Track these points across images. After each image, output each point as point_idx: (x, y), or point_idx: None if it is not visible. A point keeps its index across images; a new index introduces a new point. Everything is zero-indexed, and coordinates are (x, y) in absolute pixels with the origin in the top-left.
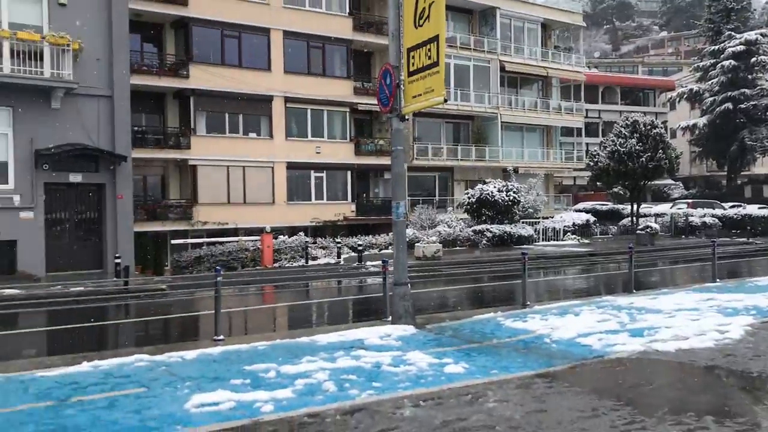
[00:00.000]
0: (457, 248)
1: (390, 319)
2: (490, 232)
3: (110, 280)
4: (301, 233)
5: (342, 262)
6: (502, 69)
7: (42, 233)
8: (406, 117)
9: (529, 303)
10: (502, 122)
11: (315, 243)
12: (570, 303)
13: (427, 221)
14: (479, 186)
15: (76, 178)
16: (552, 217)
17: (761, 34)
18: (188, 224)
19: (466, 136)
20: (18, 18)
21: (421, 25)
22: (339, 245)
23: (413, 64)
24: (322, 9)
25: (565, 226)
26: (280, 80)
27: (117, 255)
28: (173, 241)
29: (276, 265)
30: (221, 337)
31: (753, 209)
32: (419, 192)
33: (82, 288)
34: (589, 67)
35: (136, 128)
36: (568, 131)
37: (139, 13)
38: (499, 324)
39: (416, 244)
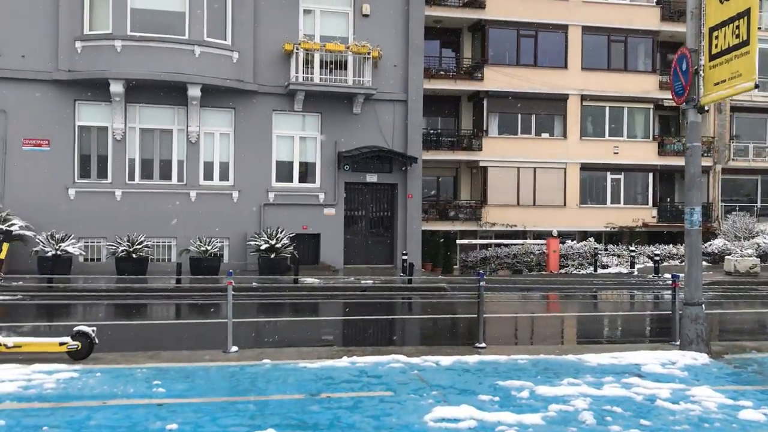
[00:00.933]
0: None
1: (678, 343)
2: None
3: (397, 276)
4: (591, 239)
5: (635, 273)
6: None
7: (342, 229)
8: (706, 108)
9: None
10: None
11: (606, 250)
12: None
13: (742, 231)
14: None
15: (372, 178)
16: None
17: None
18: (477, 225)
19: None
20: (328, 31)
21: None
22: (633, 254)
23: (716, 45)
24: (625, 0)
25: None
26: (576, 77)
27: (404, 252)
28: (459, 241)
29: (562, 270)
30: (483, 344)
31: None
32: (736, 197)
33: (371, 281)
34: None
35: (432, 131)
36: None
37: (438, 19)
38: None
39: (726, 257)
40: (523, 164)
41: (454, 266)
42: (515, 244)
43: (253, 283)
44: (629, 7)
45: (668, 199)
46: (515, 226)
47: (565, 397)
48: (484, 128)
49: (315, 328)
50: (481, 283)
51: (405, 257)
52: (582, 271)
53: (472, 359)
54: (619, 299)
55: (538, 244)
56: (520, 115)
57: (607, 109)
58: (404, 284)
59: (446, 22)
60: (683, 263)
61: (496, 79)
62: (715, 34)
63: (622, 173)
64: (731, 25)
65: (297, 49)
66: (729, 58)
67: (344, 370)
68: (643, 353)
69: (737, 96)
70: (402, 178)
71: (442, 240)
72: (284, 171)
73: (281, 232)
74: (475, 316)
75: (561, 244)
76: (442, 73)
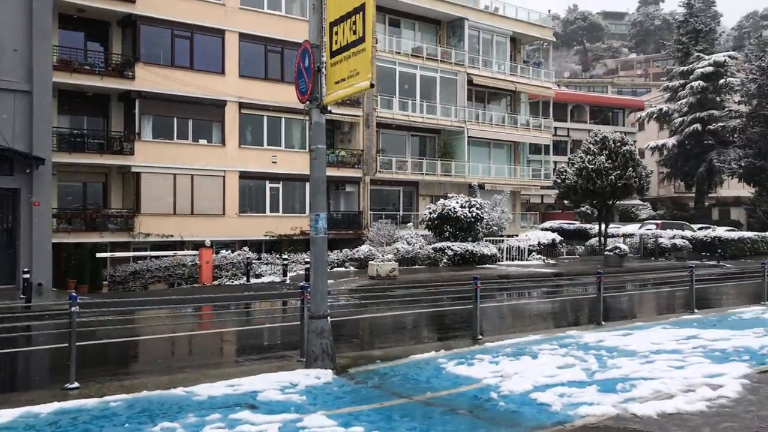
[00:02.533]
0: (416, 267)
1: (305, 360)
2: (451, 250)
3: (18, 298)
4: (246, 248)
5: (288, 281)
6: (470, 82)
7: None
8: (329, 108)
9: (480, 337)
10: (469, 137)
11: (259, 259)
12: (528, 339)
13: (385, 237)
14: (441, 201)
15: None
16: (517, 236)
17: (729, 56)
18: (129, 235)
19: (432, 150)
20: None
21: None
22: (286, 262)
23: (336, 41)
24: (281, 12)
25: (530, 245)
26: (234, 84)
27: (25, 270)
28: (103, 255)
29: (215, 282)
30: (74, 384)
31: (722, 231)
32: (382, 206)
33: None
34: (558, 85)
35: (76, 131)
36: (536, 148)
37: (83, 8)
38: (440, 368)
39: (370, 262)
40: (180, 171)
41: (103, 282)
42: (167, 256)
43: None
44: (285, 18)
45: None
46: (172, 236)
47: None
48: (137, 131)
49: None
50: (74, 308)
51: (27, 275)
52: (236, 282)
53: (48, 409)
54: (259, 311)
55: (191, 255)
56: (176, 119)
57: (266, 118)
58: (22, 307)
59: (92, 12)
60: (334, 269)
61: (150, 79)
62: (335, 29)
63: (281, 182)
64: (349, 21)
65: None
66: (348, 56)
67: None
68: (266, 377)
69: (383, 113)
70: (27, 183)
71: (90, 254)
72: None
73: None
74: (89, 343)
75: (215, 255)
76: (87, 67)
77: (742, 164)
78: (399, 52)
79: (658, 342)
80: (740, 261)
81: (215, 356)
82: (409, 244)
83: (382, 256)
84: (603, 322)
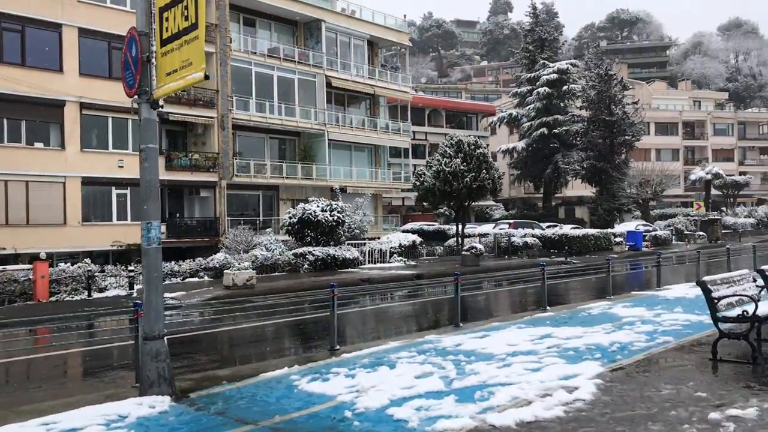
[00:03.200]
0: (276, 274)
1: (139, 386)
2: (313, 255)
3: None
4: (88, 260)
5: (135, 294)
6: (329, 85)
7: None
8: (161, 103)
9: (338, 347)
10: (329, 140)
11: (103, 271)
12: (387, 347)
13: (243, 244)
14: (301, 205)
15: None
16: (379, 238)
17: (571, 64)
18: None
19: (292, 153)
20: None
21: None
22: (132, 274)
23: (167, 29)
24: (126, 7)
25: (391, 248)
26: (74, 83)
27: None
28: None
29: (53, 299)
30: None
31: (568, 229)
32: (241, 212)
33: None
34: (416, 90)
35: None
36: (396, 152)
37: None
38: (292, 386)
39: (225, 271)
40: (12, 177)
41: None
42: None
43: None
44: (130, 14)
45: (177, 215)
46: (5, 249)
47: None
48: None
49: None
50: None
51: None
52: (76, 298)
53: None
54: (102, 329)
55: (24, 270)
56: (6, 121)
57: (111, 119)
58: None
59: None
60: (186, 279)
61: None
62: (165, 15)
63: (129, 188)
64: (180, 5)
65: None
66: (180, 44)
67: None
68: (91, 409)
69: (239, 115)
70: None
71: None
72: None
73: None
74: None
75: (53, 268)
76: None
77: (585, 166)
78: (255, 52)
79: (515, 343)
80: (585, 257)
81: (35, 386)
82: (268, 250)
83: (239, 264)
84: (461, 324)
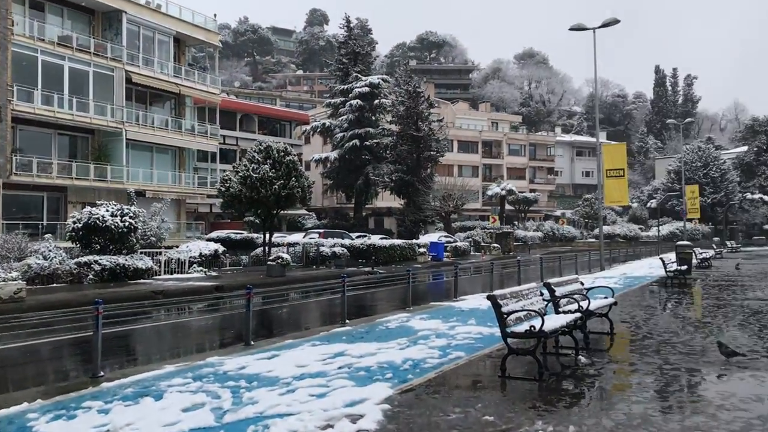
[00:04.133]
0: (55, 285)
1: None
2: (99, 264)
3: None
4: None
5: None
6: (129, 81)
7: None
8: None
9: (102, 374)
10: (128, 139)
11: None
12: (159, 372)
13: (14, 251)
14: (88, 209)
15: None
16: (178, 247)
17: (383, 79)
18: None
19: (85, 152)
20: None
21: None
22: None
23: None
24: None
25: (191, 257)
26: None
27: None
28: None
29: None
30: None
31: (376, 239)
32: (21, 215)
33: None
34: (228, 94)
35: None
36: (204, 156)
37: None
38: (25, 429)
39: None
40: None
41: None
42: None
43: None
44: None
45: None
46: None
47: None
48: None
49: None
50: None
51: None
52: None
53: None
54: None
55: None
56: None
57: None
58: None
59: None
60: None
61: None
62: None
63: None
64: None
65: None
66: None
67: None
68: None
69: (21, 106)
70: None
71: None
72: None
73: None
74: None
75: None
76: None
77: (393, 178)
78: (43, 39)
79: (305, 363)
80: (391, 267)
81: None
82: (45, 258)
83: (6, 274)
84: (253, 342)
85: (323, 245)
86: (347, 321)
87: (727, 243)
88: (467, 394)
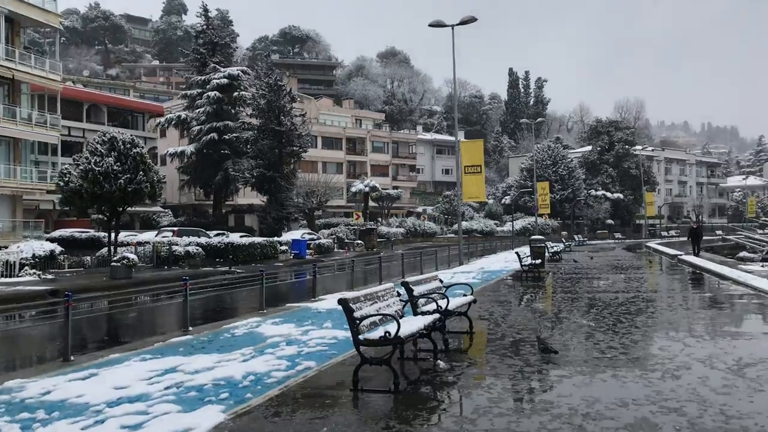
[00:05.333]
0: None
1: None
2: None
3: None
4: None
5: None
6: None
7: None
8: None
9: None
10: None
11: None
12: None
13: None
14: None
15: None
16: (7, 247)
17: (242, 71)
18: None
19: None
20: None
21: None
22: None
23: None
24: None
25: (23, 258)
26: None
27: None
28: None
29: None
30: None
31: (235, 237)
32: None
33: None
34: (74, 83)
35: None
36: (45, 148)
37: None
38: None
39: None
40: None
41: None
42: None
43: None
44: None
45: None
46: None
47: None
48: None
49: None
50: None
51: None
52: None
53: None
54: None
55: None
56: None
57: None
58: None
59: None
60: None
61: None
62: None
63: None
64: None
65: None
66: None
67: None
68: None
69: None
70: None
71: None
72: None
73: None
74: None
75: None
76: None
77: (254, 174)
78: None
79: (126, 384)
80: (251, 266)
81: None
82: None
83: None
84: (72, 358)
85: (177, 244)
86: (190, 328)
87: (575, 237)
88: (312, 415)
